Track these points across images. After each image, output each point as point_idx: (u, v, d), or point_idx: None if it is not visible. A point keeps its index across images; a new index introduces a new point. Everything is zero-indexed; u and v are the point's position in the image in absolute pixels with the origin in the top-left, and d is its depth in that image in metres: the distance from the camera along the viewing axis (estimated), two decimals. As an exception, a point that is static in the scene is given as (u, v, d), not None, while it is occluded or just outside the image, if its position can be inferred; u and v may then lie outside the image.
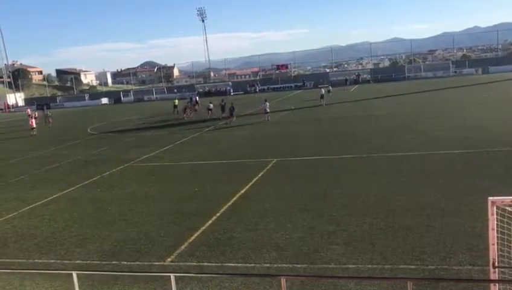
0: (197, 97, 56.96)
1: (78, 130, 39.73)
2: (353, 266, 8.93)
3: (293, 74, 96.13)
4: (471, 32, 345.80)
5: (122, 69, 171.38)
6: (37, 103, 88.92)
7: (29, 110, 63.71)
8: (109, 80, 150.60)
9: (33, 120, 40.86)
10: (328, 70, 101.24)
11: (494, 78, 58.73)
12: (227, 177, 17.53)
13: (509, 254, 6.40)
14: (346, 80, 73.82)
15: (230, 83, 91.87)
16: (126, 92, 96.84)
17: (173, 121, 40.45)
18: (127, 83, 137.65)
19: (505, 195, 6.11)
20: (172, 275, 6.97)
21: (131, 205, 14.66)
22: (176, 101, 48.10)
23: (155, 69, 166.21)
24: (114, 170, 20.61)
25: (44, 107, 50.67)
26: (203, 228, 11.83)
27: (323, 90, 45.54)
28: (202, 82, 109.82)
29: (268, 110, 34.88)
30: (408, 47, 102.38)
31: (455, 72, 77.55)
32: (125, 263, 10.15)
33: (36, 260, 10.77)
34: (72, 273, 7.55)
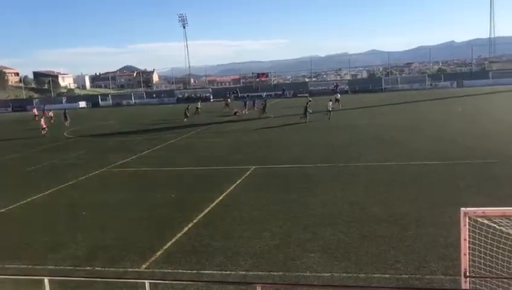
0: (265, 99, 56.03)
1: (54, 133, 38.98)
2: (328, 274, 9.00)
3: (273, 83, 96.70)
4: (447, 46, 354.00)
5: (101, 72, 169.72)
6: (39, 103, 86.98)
7: (35, 110, 62.55)
8: (87, 84, 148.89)
9: (42, 120, 40.68)
10: (307, 80, 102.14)
11: (468, 92, 60.16)
12: (205, 184, 17.47)
13: (480, 264, 6.56)
14: (332, 90, 74.30)
15: (210, 90, 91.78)
16: (104, 96, 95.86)
17: (152, 127, 40.17)
18: (106, 87, 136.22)
19: (477, 206, 6.27)
20: (147, 282, 6.90)
21: (106, 211, 14.47)
22: (199, 104, 51.29)
23: (134, 74, 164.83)
24: (90, 175, 20.32)
25: (65, 110, 50.04)
26: (179, 235, 11.76)
27: (339, 94, 50.14)
28: (182, 88, 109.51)
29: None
30: (385, 59, 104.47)
31: (431, 85, 79.10)
32: (100, 269, 10.00)
33: (6, 265, 10.50)
34: (43, 279, 7.40)
